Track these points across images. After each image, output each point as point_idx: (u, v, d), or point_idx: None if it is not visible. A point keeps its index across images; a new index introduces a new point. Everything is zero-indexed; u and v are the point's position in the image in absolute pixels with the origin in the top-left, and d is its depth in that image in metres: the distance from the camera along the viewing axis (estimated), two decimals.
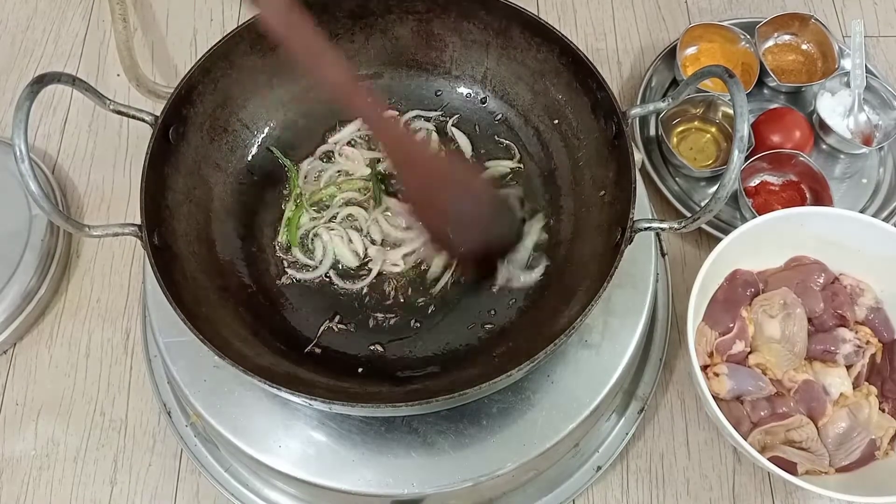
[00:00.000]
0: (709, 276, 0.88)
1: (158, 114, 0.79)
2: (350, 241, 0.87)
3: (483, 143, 0.94)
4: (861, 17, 1.23)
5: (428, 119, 0.95)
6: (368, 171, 0.91)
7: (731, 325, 0.90)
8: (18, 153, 0.66)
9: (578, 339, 0.83)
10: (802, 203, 1.05)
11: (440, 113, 0.95)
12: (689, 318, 0.86)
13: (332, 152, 0.93)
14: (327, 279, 0.86)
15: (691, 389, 0.97)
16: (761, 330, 0.90)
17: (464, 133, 0.94)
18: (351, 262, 0.86)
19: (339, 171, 0.92)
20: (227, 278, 0.83)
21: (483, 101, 0.95)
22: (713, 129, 1.13)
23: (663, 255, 0.98)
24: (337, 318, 0.83)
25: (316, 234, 0.87)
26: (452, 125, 0.94)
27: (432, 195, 0.80)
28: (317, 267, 0.86)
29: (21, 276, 0.98)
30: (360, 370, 0.80)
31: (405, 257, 0.86)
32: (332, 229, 0.87)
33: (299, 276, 0.86)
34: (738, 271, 0.94)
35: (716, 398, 0.86)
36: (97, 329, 1.01)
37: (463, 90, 0.95)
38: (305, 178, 0.91)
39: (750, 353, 0.91)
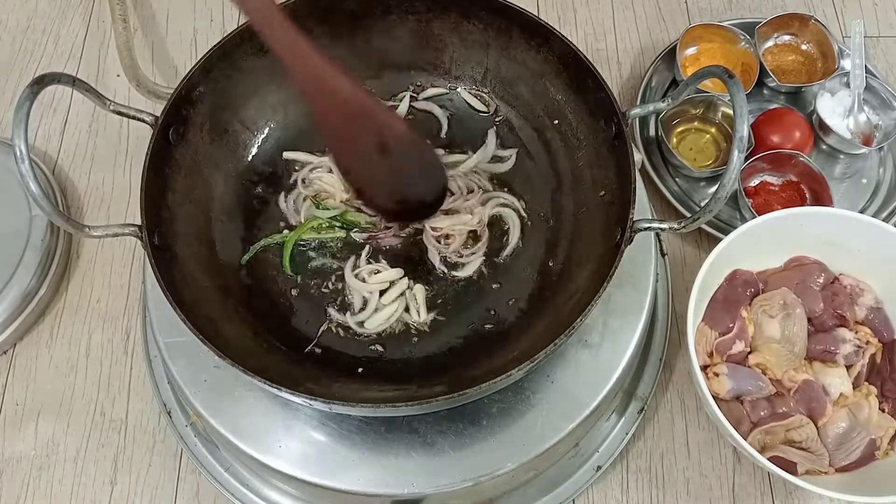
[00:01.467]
0: (709, 276, 0.88)
1: (158, 114, 0.79)
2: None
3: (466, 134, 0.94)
4: (861, 18, 1.23)
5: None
6: (345, 194, 0.89)
7: (731, 325, 0.90)
8: (18, 153, 0.66)
9: (578, 339, 0.83)
10: (802, 203, 1.05)
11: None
12: (689, 318, 0.86)
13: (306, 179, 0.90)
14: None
15: (691, 389, 0.97)
16: (761, 330, 0.90)
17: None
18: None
19: (315, 196, 0.89)
20: (227, 278, 0.83)
21: (483, 101, 0.95)
22: (713, 130, 1.13)
23: (663, 255, 0.98)
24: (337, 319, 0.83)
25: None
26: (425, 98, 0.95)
27: (349, 138, 0.76)
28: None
29: (21, 277, 0.98)
30: (360, 370, 0.80)
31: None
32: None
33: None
34: (737, 271, 0.94)
35: (716, 398, 0.86)
36: (97, 329, 1.01)
37: (462, 90, 0.95)
38: (295, 207, 0.89)
39: (750, 353, 0.91)
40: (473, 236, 0.87)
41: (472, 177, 0.90)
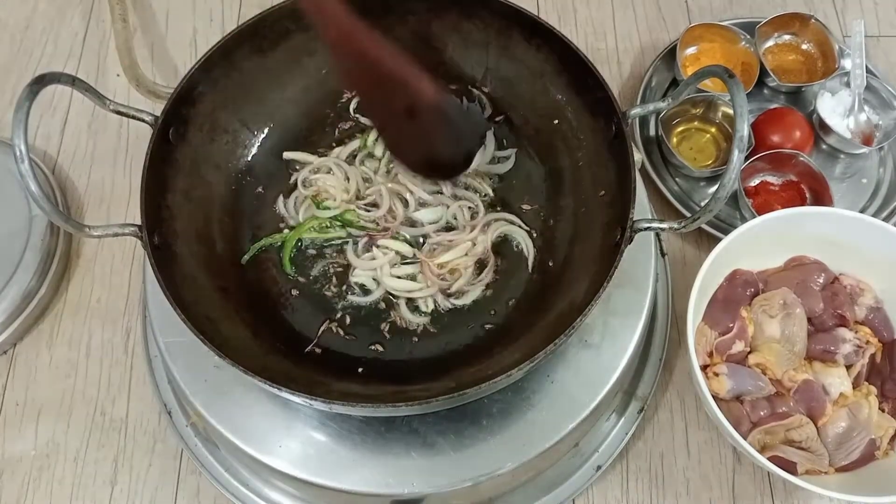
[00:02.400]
0: (709, 276, 0.88)
1: (158, 114, 0.79)
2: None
3: None
4: (861, 17, 1.23)
5: None
6: (346, 195, 0.88)
7: (731, 324, 0.90)
8: (18, 153, 0.66)
9: (578, 339, 0.83)
10: (802, 203, 1.05)
11: None
12: (688, 318, 0.86)
13: (308, 181, 0.90)
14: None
15: (691, 389, 0.97)
16: (761, 330, 0.90)
17: None
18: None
19: (315, 195, 0.89)
20: (227, 278, 0.83)
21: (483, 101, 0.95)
22: (713, 129, 1.13)
23: (663, 255, 0.98)
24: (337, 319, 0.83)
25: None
26: None
27: (379, 100, 0.79)
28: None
29: (21, 276, 0.98)
30: (360, 370, 0.80)
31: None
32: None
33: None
34: (737, 271, 0.94)
35: (715, 398, 0.86)
36: (97, 329, 1.01)
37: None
38: (295, 207, 0.89)
39: (750, 352, 0.91)
40: (479, 264, 0.85)
41: (471, 179, 0.90)
